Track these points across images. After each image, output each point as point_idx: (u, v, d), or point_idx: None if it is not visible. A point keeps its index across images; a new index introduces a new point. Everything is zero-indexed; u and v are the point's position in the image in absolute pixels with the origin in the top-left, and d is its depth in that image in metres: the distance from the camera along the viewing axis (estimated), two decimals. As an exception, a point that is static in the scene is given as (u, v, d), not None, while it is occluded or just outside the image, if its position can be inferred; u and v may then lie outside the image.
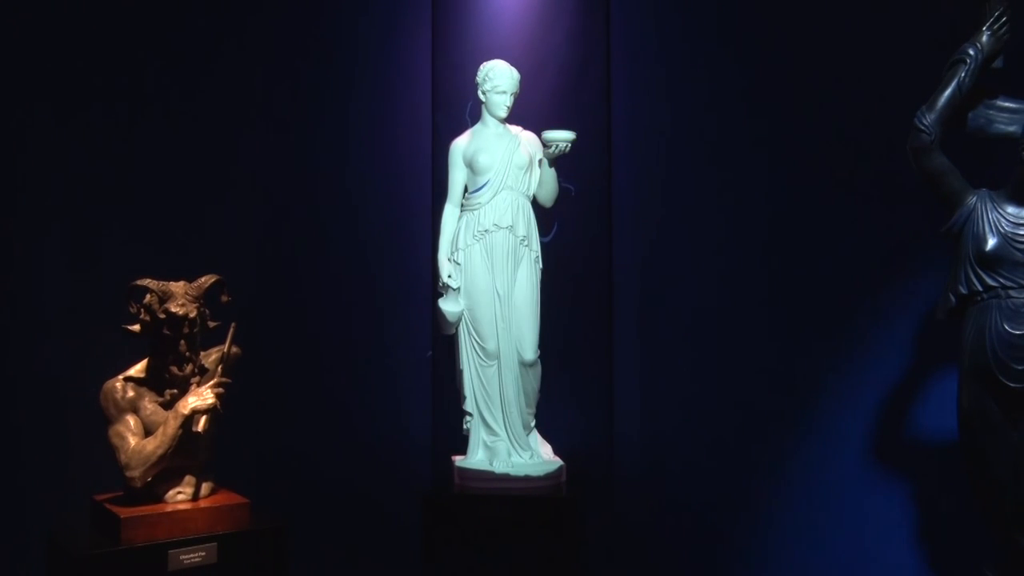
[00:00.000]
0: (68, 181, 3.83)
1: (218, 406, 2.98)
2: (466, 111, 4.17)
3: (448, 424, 4.08)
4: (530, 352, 3.75)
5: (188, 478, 3.05)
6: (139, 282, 2.98)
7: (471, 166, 3.82)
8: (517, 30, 4.28)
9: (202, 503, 3.04)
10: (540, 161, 3.80)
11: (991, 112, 3.30)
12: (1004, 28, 3.25)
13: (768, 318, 4.14)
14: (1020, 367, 3.08)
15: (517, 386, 3.76)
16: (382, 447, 4.42)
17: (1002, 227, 3.16)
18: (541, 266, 3.83)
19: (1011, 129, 3.24)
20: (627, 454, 4.33)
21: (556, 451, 3.88)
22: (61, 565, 2.87)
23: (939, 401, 3.66)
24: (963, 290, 3.20)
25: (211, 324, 3.10)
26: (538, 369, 3.80)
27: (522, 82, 3.88)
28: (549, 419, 3.92)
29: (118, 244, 3.83)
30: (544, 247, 3.88)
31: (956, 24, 3.35)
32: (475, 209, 3.77)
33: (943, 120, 3.24)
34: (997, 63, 3.29)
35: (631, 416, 4.36)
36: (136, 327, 3.00)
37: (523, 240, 3.77)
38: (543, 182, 3.83)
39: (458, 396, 3.84)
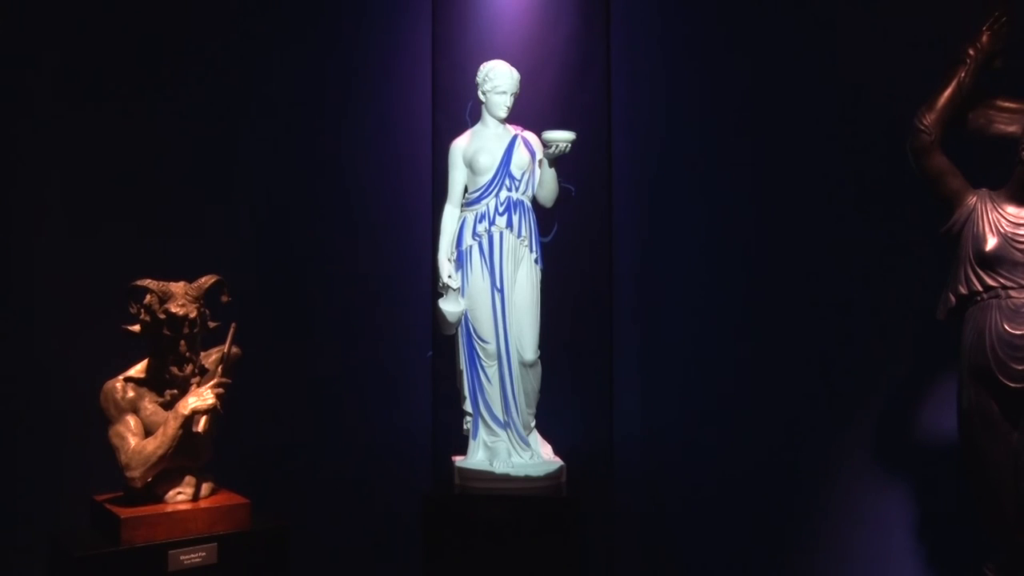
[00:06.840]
0: (67, 180, 3.82)
1: (218, 406, 2.98)
2: (466, 111, 4.17)
3: (448, 424, 4.09)
4: (530, 352, 3.75)
5: (188, 478, 3.05)
6: (139, 282, 2.97)
7: (471, 166, 3.82)
8: (517, 30, 4.28)
9: (202, 503, 3.03)
10: (540, 161, 3.80)
11: (991, 112, 3.30)
12: (1004, 28, 3.25)
13: (768, 318, 4.14)
14: (1020, 367, 3.08)
15: (517, 386, 3.76)
16: (382, 447, 4.42)
17: (1002, 227, 3.16)
18: (541, 266, 3.83)
19: (1011, 129, 3.24)
20: (627, 454, 4.33)
21: (556, 451, 3.88)
22: (61, 565, 2.87)
23: (939, 401, 3.66)
24: (963, 290, 3.20)
25: (211, 324, 3.10)
26: (538, 369, 3.80)
27: (522, 82, 3.88)
28: (549, 419, 3.92)
29: (118, 244, 3.83)
30: (544, 247, 3.89)
31: (956, 24, 3.36)
32: (475, 209, 3.78)
33: (943, 120, 3.24)
34: (997, 63, 3.29)
35: (631, 416, 4.36)
36: (136, 327, 2.99)
37: (523, 240, 3.77)
38: (543, 182, 3.82)
39: (458, 396, 3.84)
